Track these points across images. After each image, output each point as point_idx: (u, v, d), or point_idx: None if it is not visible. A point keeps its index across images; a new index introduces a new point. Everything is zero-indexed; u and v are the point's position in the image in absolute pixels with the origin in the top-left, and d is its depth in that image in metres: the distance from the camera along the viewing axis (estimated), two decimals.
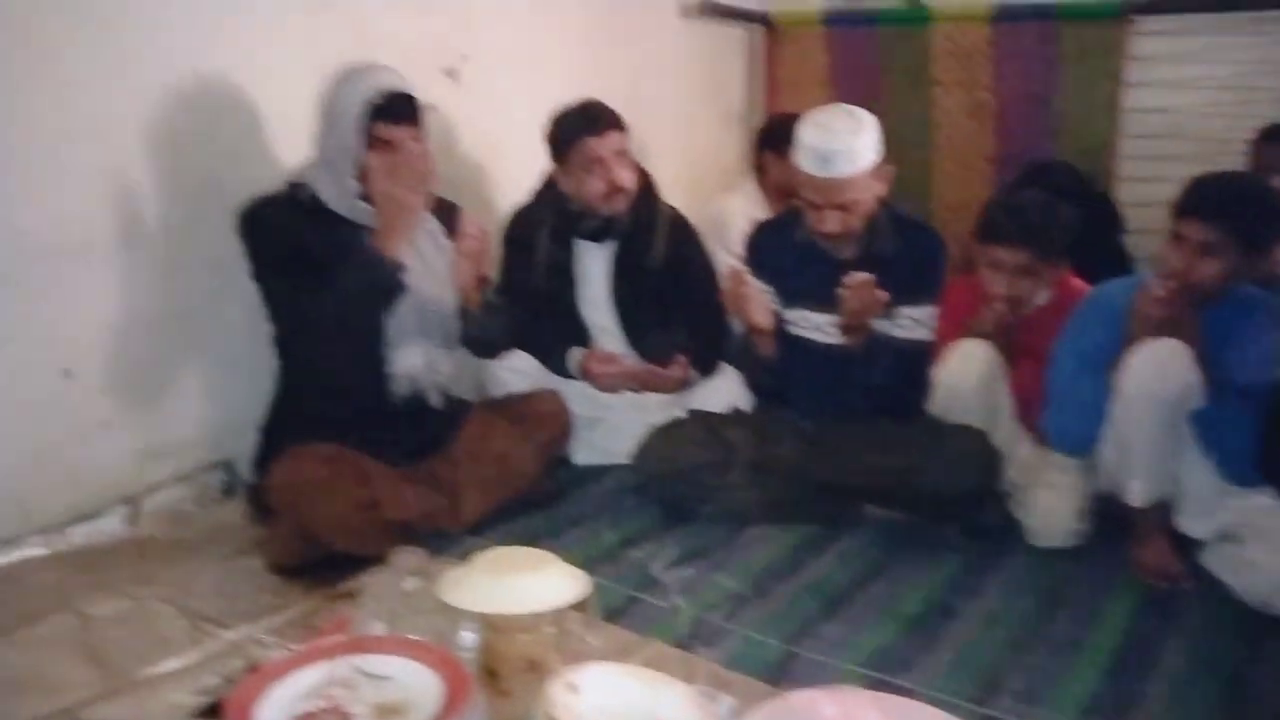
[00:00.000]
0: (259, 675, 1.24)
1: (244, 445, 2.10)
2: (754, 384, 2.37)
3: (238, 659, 1.50)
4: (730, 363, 2.45)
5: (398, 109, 1.91)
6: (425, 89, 2.03)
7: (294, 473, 1.87)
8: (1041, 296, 2.17)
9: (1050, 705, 1.49)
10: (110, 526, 1.98)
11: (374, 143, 1.90)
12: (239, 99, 2.15)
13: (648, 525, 2.08)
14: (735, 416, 2.28)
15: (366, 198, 1.93)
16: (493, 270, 2.02)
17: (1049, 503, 2.00)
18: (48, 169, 1.87)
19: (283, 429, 2.02)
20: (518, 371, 2.38)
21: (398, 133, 1.91)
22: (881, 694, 1.22)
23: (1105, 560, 1.93)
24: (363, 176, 1.92)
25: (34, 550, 1.88)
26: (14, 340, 1.86)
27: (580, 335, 2.46)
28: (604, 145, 2.32)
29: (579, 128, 2.34)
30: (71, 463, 1.96)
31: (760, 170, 3.14)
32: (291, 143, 2.11)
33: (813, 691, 1.17)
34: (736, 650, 1.61)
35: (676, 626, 1.67)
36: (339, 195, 1.94)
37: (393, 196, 1.87)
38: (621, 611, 1.73)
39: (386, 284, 1.89)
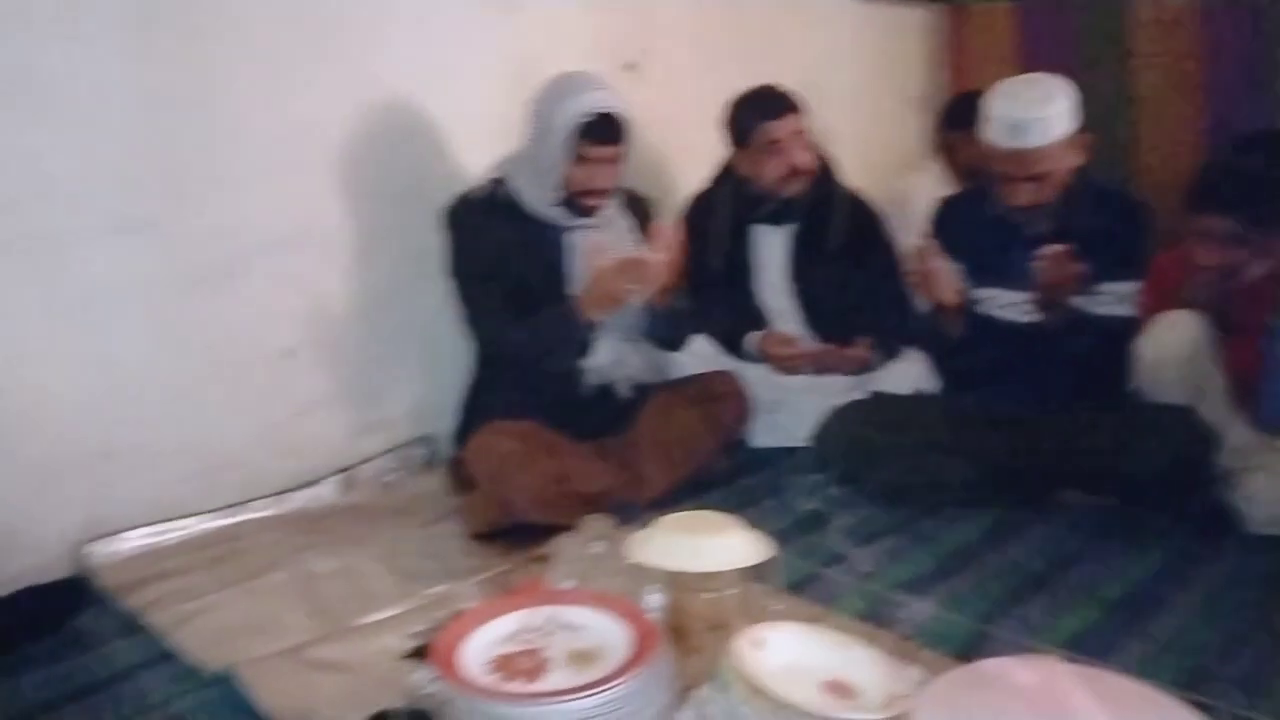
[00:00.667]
0: (462, 621, 1.32)
1: (445, 421, 2.25)
2: (941, 365, 2.31)
3: (441, 610, 1.60)
4: (914, 344, 2.40)
5: (606, 130, 1.99)
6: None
7: (490, 446, 1.98)
8: (1258, 267, 2.02)
9: (1272, 697, 1.39)
10: (327, 493, 2.16)
11: (579, 159, 1.99)
12: (436, 99, 2.29)
13: (828, 506, 2.07)
14: (920, 398, 2.24)
15: (566, 203, 2.04)
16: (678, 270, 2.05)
17: (1268, 487, 1.85)
18: (268, 169, 2.06)
19: (479, 407, 2.15)
20: (697, 355, 2.41)
21: (604, 152, 2.00)
22: (1083, 666, 1.16)
23: None
24: (564, 184, 2.02)
25: (260, 513, 2.06)
26: (242, 324, 2.06)
27: (758, 319, 2.47)
28: (782, 128, 2.33)
29: (757, 111, 2.36)
30: (293, 435, 2.14)
31: (946, 150, 3.07)
32: (486, 139, 2.23)
33: (1007, 659, 1.14)
34: (924, 626, 1.58)
35: (861, 600, 1.66)
36: (538, 199, 2.05)
37: (608, 283, 1.95)
38: (803, 585, 1.73)
39: (576, 342, 2.02)
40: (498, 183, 2.10)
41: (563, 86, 2.03)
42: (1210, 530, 1.87)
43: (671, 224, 2.07)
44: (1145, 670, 1.43)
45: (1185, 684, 1.40)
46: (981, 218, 2.11)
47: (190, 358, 1.99)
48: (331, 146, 2.15)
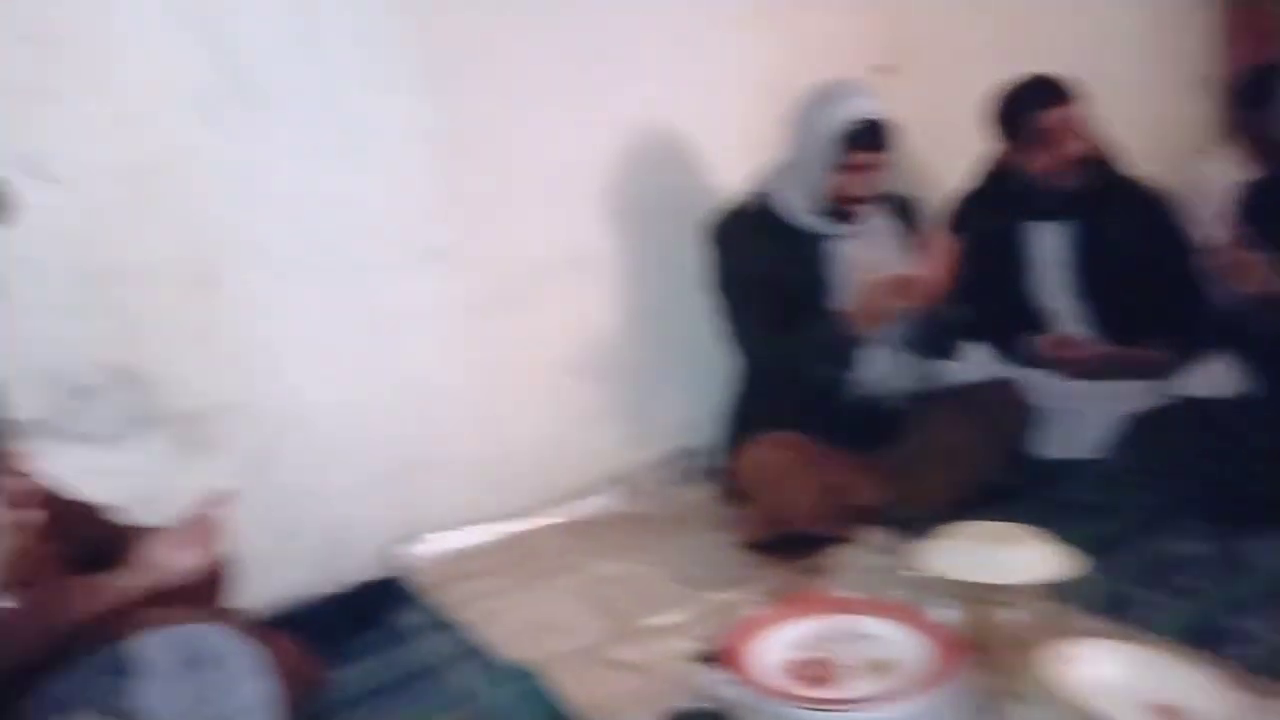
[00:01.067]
0: (751, 623, 1.33)
1: (709, 433, 2.29)
2: (1258, 365, 2.09)
3: (723, 617, 1.63)
4: (1217, 343, 2.18)
5: (871, 137, 1.97)
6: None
7: (762, 458, 1.99)
8: None
9: None
10: (607, 502, 2.26)
11: (843, 166, 1.98)
12: (694, 118, 2.35)
13: (1132, 520, 1.92)
14: (1236, 403, 2.03)
15: (829, 211, 2.03)
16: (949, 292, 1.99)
17: None
18: (547, 198, 2.19)
19: (746, 420, 2.16)
20: (971, 363, 2.31)
21: (869, 159, 1.98)
22: None
23: None
24: (828, 193, 2.02)
25: (547, 519, 2.18)
26: (529, 343, 2.20)
27: (1037, 321, 2.33)
28: (1053, 117, 2.20)
29: (1026, 101, 2.24)
30: (576, 446, 2.26)
31: (1238, 129, 2.77)
32: (743, 154, 2.25)
33: None
34: (1257, 654, 1.43)
35: (1178, 621, 1.52)
36: (801, 209, 2.05)
37: (878, 299, 1.93)
38: (1111, 604, 1.61)
39: (843, 356, 2.00)
40: (759, 195, 2.12)
41: (825, 94, 2.02)
42: None
43: (943, 233, 2.00)
44: None
45: None
46: None
47: (484, 375, 2.14)
48: (600, 174, 2.26)
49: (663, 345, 2.38)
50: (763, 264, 2.05)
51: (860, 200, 2.05)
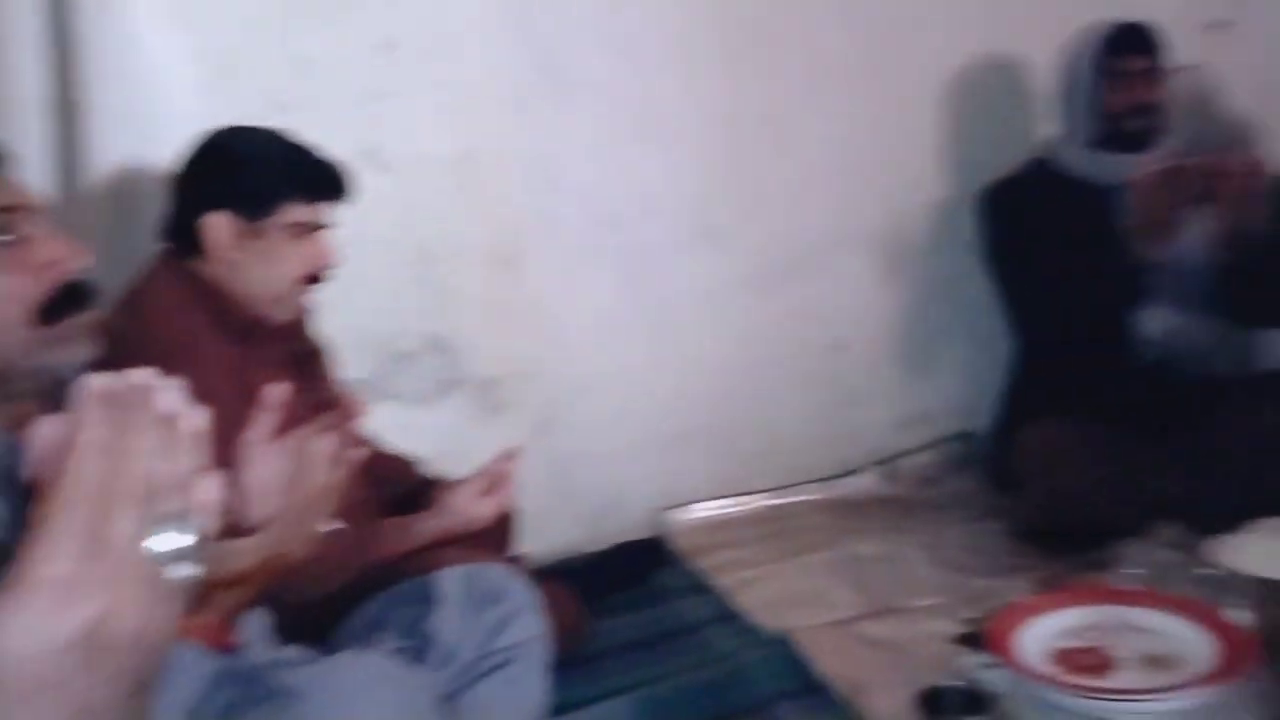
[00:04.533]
0: (1020, 608, 1.29)
1: (983, 419, 2.20)
2: None
3: (988, 603, 1.58)
4: None
5: (1133, 39, 1.90)
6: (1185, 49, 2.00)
7: (1038, 442, 1.90)
8: None
9: None
10: (868, 483, 2.24)
11: (1111, 80, 1.90)
12: (965, 91, 2.26)
13: None
14: None
15: (1113, 140, 1.92)
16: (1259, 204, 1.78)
17: None
18: (823, 178, 2.18)
19: (1025, 403, 2.06)
20: None
21: (1136, 63, 1.89)
22: None
23: None
24: (1104, 112, 1.92)
25: (807, 495, 2.20)
26: (794, 318, 2.21)
27: None
28: None
29: None
30: (838, 425, 2.26)
31: None
32: (1035, 120, 2.17)
33: None
34: None
35: None
36: (1081, 154, 1.94)
37: (1155, 200, 1.79)
38: None
39: (1128, 287, 1.86)
40: (1036, 161, 2.02)
41: (1088, 27, 1.96)
42: None
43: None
44: None
45: None
46: None
47: (751, 350, 2.18)
48: (876, 151, 2.21)
49: (936, 326, 2.32)
50: (1043, 229, 1.94)
51: (1140, 111, 1.92)
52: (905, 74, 2.21)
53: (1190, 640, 1.17)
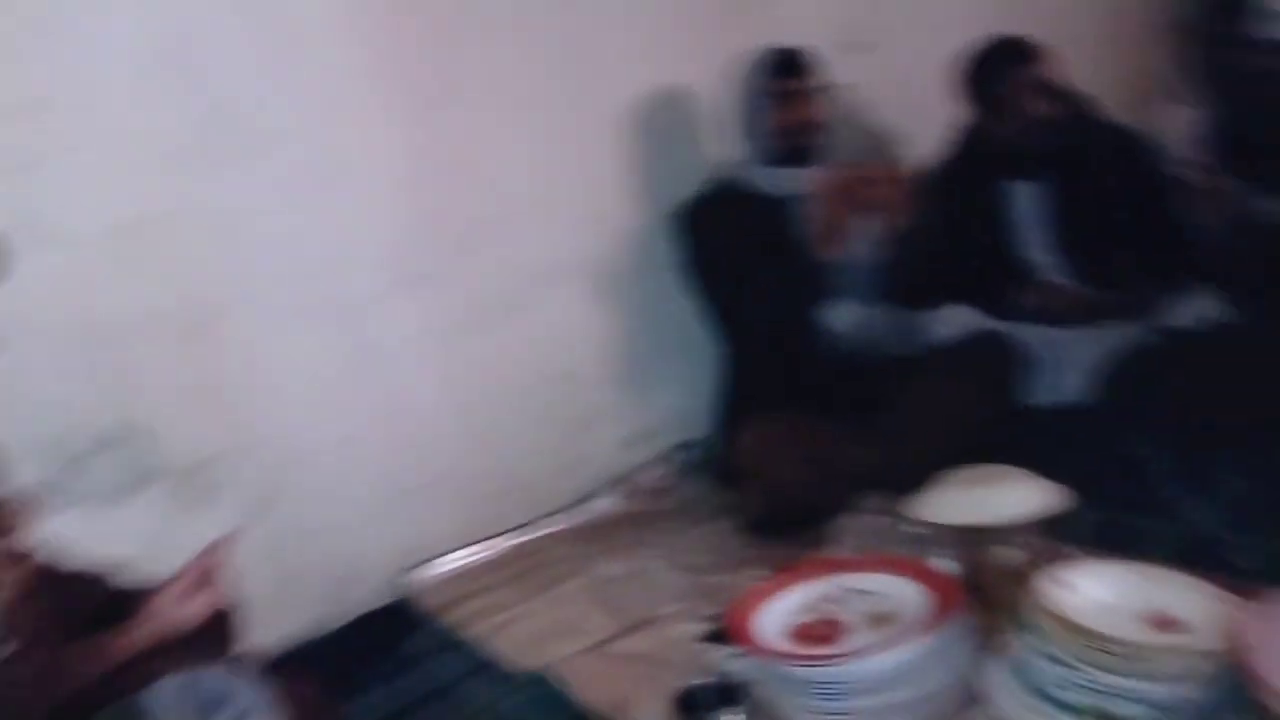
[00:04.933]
0: (754, 595, 1.34)
1: (704, 425, 2.30)
2: (1234, 292, 2.10)
3: (730, 597, 1.63)
4: (1199, 274, 2.19)
5: (789, 63, 2.08)
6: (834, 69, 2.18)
7: (751, 440, 2.01)
8: None
9: None
10: (606, 505, 2.26)
11: (774, 101, 2.07)
12: (666, 109, 2.37)
13: (1123, 455, 1.92)
14: (1214, 331, 2.04)
15: (784, 156, 2.08)
16: (910, 206, 2.01)
17: None
18: (525, 213, 2.19)
19: (734, 404, 2.19)
20: (953, 321, 2.32)
21: (794, 85, 2.07)
22: None
23: None
24: (771, 130, 2.08)
25: (551, 528, 2.19)
26: (517, 355, 2.20)
27: (1022, 275, 2.34)
28: (1022, 77, 2.22)
29: (994, 63, 2.26)
30: (571, 452, 2.27)
31: (1198, 67, 2.80)
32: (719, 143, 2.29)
33: None
34: (1249, 565, 1.43)
35: (1174, 545, 1.52)
36: (759, 171, 2.09)
37: (831, 208, 1.98)
38: (1106, 536, 1.62)
39: (813, 291, 2.03)
40: (724, 178, 2.16)
41: (748, 57, 2.15)
42: None
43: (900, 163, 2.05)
44: None
45: None
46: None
47: (475, 392, 2.15)
48: (575, 183, 2.26)
49: (651, 344, 2.39)
50: (733, 241, 2.08)
51: (803, 129, 2.10)
52: (587, 106, 2.27)
53: (906, 594, 1.27)
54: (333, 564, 1.98)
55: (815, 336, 2.09)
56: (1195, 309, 2.15)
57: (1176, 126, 2.65)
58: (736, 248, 2.08)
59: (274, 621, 1.67)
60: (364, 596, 1.98)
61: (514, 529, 2.16)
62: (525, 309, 2.20)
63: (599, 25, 2.26)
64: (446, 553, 2.08)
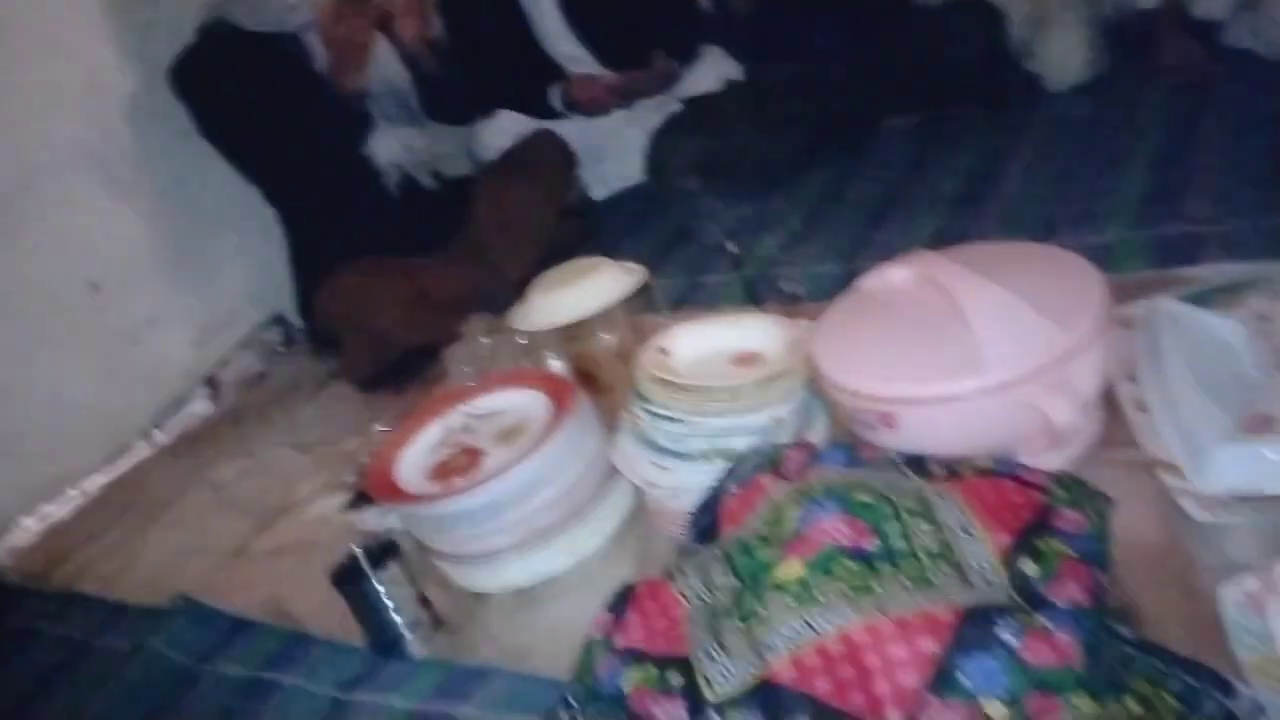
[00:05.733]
0: (386, 448, 1.31)
1: (283, 295, 2.15)
2: (740, 48, 2.30)
3: (363, 458, 1.59)
4: (709, 39, 2.37)
5: None
6: None
7: (339, 293, 1.91)
8: None
9: (1107, 218, 1.51)
10: (199, 408, 2.08)
11: None
12: None
13: (686, 220, 2.09)
14: (730, 89, 2.23)
15: None
16: (434, 24, 1.94)
17: (1060, 40, 1.94)
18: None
19: (309, 264, 2.05)
20: (504, 131, 2.33)
21: None
22: (950, 249, 1.22)
23: (1131, 81, 1.90)
24: None
25: (146, 452, 1.98)
26: (32, 267, 1.89)
27: (553, 71, 2.38)
28: None
29: None
30: (131, 368, 2.03)
31: None
32: None
33: (880, 268, 1.19)
34: (804, 289, 1.64)
35: (741, 288, 1.70)
36: (257, 10, 1.87)
37: (342, 38, 1.81)
38: (689, 297, 1.78)
39: (349, 122, 1.89)
40: (214, 26, 1.90)
41: None
42: (1021, 104, 1.97)
43: None
44: (1003, 235, 1.54)
45: (1040, 236, 1.51)
46: None
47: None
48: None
49: (194, 226, 2.15)
50: (245, 91, 1.86)
51: None
52: None
53: (529, 403, 1.30)
54: None
55: (366, 173, 1.99)
56: (711, 73, 2.34)
57: None
58: (250, 100, 1.86)
59: None
60: None
61: (101, 466, 1.93)
62: (22, 218, 1.87)
63: None
64: (30, 511, 1.82)
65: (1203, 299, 1.11)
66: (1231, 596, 0.79)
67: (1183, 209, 1.45)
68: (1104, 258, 1.31)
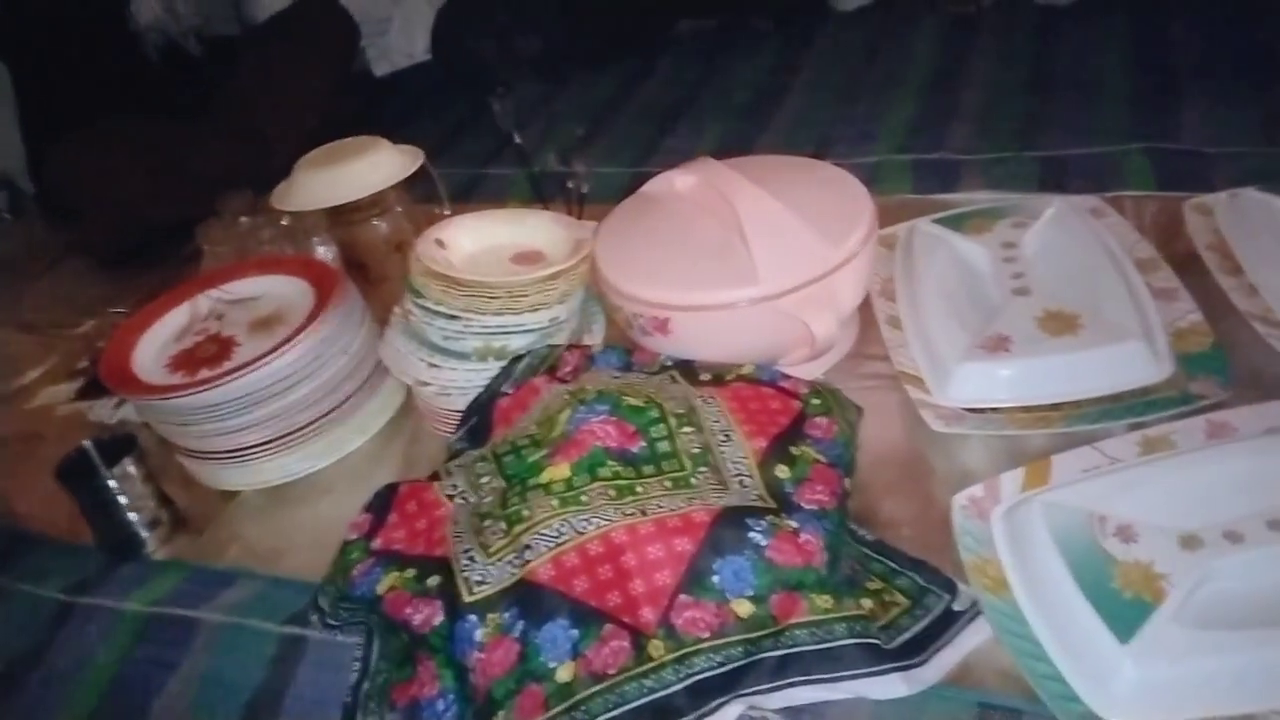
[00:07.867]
0: (123, 332, 1.19)
1: (11, 158, 1.90)
2: None
3: (98, 344, 1.45)
4: None
5: None
6: None
7: (84, 161, 1.70)
8: None
9: (879, 139, 1.57)
10: None
11: None
12: None
13: (466, 111, 2.00)
14: None
15: None
16: None
17: None
18: None
19: (43, 121, 1.81)
20: None
21: None
22: (729, 159, 1.23)
23: (913, 6, 1.97)
24: None
25: None
26: None
27: None
28: None
29: None
30: None
31: None
32: None
33: (663, 174, 1.18)
34: (590, 191, 1.61)
35: (526, 182, 1.65)
36: None
37: None
38: (471, 188, 1.71)
39: None
40: None
41: None
42: (809, 19, 2.00)
43: None
44: (783, 148, 1.57)
45: (816, 155, 1.55)
46: None
47: None
48: None
49: None
50: None
51: None
52: None
53: (288, 291, 1.22)
54: None
55: (116, 32, 1.77)
56: None
57: None
58: None
59: None
60: None
61: None
62: None
63: None
64: None
65: (956, 223, 1.17)
66: (959, 503, 0.85)
67: (945, 137, 1.52)
68: (871, 178, 1.37)
